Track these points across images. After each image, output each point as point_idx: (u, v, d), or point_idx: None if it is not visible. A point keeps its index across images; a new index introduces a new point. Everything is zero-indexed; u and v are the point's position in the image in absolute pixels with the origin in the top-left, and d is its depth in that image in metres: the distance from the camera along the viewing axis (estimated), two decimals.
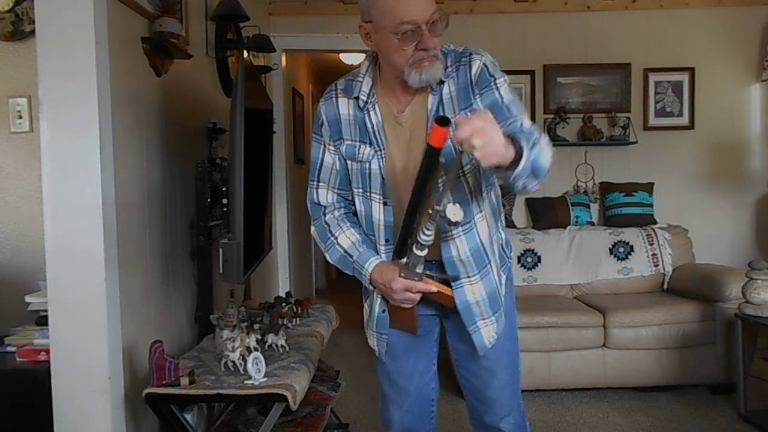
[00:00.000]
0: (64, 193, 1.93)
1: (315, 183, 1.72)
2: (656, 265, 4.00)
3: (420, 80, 1.50)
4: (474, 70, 1.55)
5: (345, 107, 1.64)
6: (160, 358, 1.93)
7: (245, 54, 3.43)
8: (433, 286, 1.58)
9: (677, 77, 4.39)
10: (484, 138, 1.27)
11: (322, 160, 1.69)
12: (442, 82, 1.56)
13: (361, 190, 1.66)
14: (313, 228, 1.76)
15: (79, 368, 1.95)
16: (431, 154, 1.39)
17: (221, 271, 2.18)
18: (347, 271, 1.70)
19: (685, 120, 4.41)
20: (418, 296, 1.59)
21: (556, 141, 4.29)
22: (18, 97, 2.50)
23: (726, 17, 4.35)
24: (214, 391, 1.93)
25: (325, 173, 1.70)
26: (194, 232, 2.67)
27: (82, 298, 1.94)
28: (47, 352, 1.99)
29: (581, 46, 4.38)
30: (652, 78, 4.40)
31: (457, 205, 1.42)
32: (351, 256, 1.66)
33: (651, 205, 4.24)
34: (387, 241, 1.65)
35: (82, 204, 1.93)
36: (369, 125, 1.61)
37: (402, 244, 1.55)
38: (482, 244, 1.63)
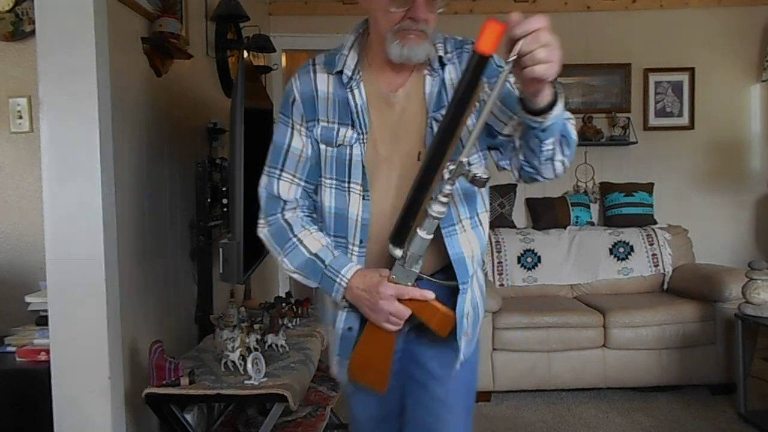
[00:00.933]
0: (64, 193, 1.93)
1: (276, 172, 1.41)
2: (656, 265, 4.00)
3: (401, 54, 1.29)
4: None
5: (324, 83, 1.39)
6: (160, 358, 1.94)
7: (245, 54, 3.43)
8: (430, 293, 1.28)
9: (677, 77, 4.39)
10: (550, 38, 1.06)
11: (290, 144, 1.40)
12: (443, 65, 1.36)
13: (335, 182, 1.38)
14: (266, 229, 1.43)
15: (79, 368, 1.94)
16: (477, 66, 1.09)
17: (221, 271, 2.18)
18: (310, 282, 1.38)
19: (685, 120, 4.41)
20: (408, 312, 1.29)
21: None
22: (18, 97, 2.49)
23: (726, 17, 4.35)
24: (214, 391, 1.93)
25: (292, 161, 1.41)
26: (194, 232, 2.67)
27: (82, 298, 1.94)
28: (47, 352, 1.99)
29: (581, 46, 4.37)
30: (652, 78, 4.40)
31: (482, 162, 1.19)
32: (323, 261, 1.35)
33: (651, 206, 4.24)
34: (361, 242, 1.36)
35: (82, 204, 1.92)
36: (353, 104, 1.36)
37: (402, 224, 1.25)
38: (481, 247, 1.41)
